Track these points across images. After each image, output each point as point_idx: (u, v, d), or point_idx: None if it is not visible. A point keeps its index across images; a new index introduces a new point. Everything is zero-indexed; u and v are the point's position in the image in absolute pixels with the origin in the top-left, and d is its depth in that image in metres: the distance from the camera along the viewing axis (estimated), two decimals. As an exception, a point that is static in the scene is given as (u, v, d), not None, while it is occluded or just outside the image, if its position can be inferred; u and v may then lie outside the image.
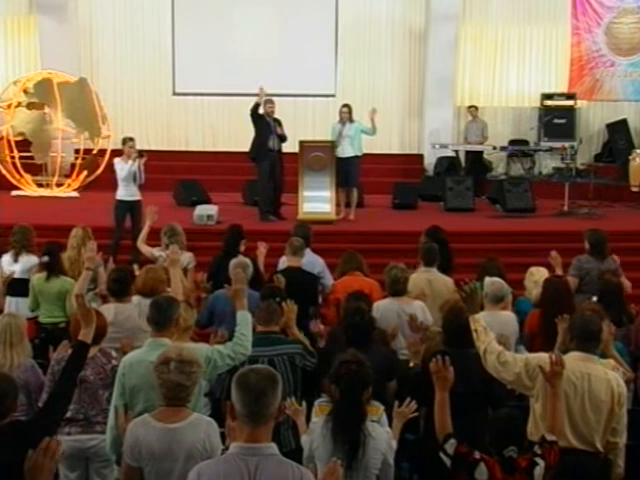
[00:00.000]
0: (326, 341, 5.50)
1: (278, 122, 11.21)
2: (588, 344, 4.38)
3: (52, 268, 6.74)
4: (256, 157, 11.18)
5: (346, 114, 11.43)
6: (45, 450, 2.93)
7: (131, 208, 9.44)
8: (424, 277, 6.74)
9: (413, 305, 6.12)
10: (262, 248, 7.43)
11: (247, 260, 6.53)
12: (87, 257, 6.02)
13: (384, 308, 6.05)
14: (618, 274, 7.00)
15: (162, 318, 4.38)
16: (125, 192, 9.56)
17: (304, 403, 4.50)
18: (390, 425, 4.25)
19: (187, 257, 7.26)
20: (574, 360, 4.30)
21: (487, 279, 6.21)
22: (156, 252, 7.49)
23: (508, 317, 6.03)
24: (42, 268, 6.81)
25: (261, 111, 11.09)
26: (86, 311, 4.03)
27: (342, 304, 5.75)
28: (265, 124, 11.04)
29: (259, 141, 11.10)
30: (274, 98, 11.31)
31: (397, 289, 6.18)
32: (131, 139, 9.74)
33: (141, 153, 9.64)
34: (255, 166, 11.30)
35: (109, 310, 5.56)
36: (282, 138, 11.15)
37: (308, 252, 7.32)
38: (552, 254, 7.27)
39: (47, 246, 6.93)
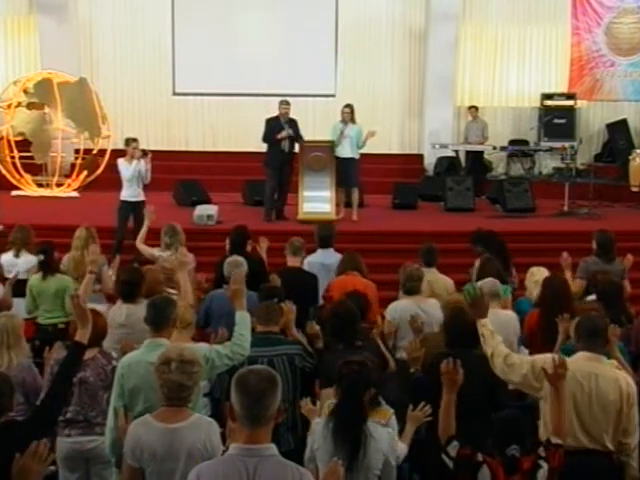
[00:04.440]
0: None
1: (295, 122, 11.11)
2: (594, 342, 4.37)
3: (47, 267, 6.71)
4: (267, 163, 11.15)
5: (348, 114, 11.39)
6: (34, 453, 2.91)
7: (134, 209, 9.47)
8: (424, 278, 6.72)
9: (428, 303, 6.11)
10: (263, 244, 7.44)
11: (240, 259, 6.47)
12: (90, 260, 6.00)
13: (402, 308, 6.05)
14: (622, 277, 6.97)
15: (159, 318, 4.38)
16: (129, 193, 9.60)
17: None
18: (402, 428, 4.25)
19: (190, 258, 7.22)
20: (581, 360, 4.30)
21: (480, 282, 6.22)
22: (156, 252, 7.46)
23: (509, 316, 6.03)
24: (39, 268, 6.80)
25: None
26: (82, 312, 4.01)
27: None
28: (278, 126, 11.01)
29: (270, 146, 11.08)
30: (286, 98, 11.30)
31: (411, 287, 6.17)
32: (135, 140, 9.77)
33: (144, 152, 9.66)
34: (264, 167, 11.29)
35: (121, 311, 5.54)
36: (295, 139, 11.06)
37: (331, 252, 7.40)
38: (564, 255, 7.20)
39: (41, 245, 6.91)
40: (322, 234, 7.51)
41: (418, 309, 5.97)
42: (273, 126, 11.04)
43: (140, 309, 5.58)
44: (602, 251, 7.25)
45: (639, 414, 4.37)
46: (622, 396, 4.27)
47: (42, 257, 6.70)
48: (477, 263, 7.11)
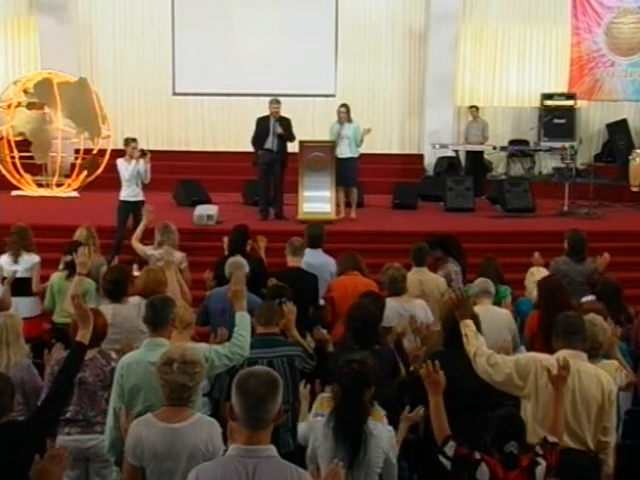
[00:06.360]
0: (334, 345, 5.46)
1: (286, 122, 11.05)
2: (573, 339, 4.39)
3: (74, 267, 6.71)
4: (254, 159, 11.17)
5: (344, 114, 11.37)
6: (53, 456, 2.94)
7: (134, 208, 9.47)
8: (415, 278, 6.71)
9: (414, 304, 6.11)
10: (261, 242, 7.44)
11: (242, 260, 6.47)
12: (79, 262, 5.99)
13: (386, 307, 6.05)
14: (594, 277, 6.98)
15: (158, 318, 4.38)
16: (128, 192, 9.61)
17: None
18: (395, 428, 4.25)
19: (180, 256, 7.20)
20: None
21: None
22: (149, 251, 7.48)
23: (501, 311, 6.04)
24: (64, 267, 6.80)
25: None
26: (83, 312, 4.02)
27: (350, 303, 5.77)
28: (265, 124, 11.00)
29: (255, 141, 11.10)
30: (276, 97, 11.24)
31: (396, 289, 6.16)
32: (134, 140, 9.79)
33: (143, 152, 9.67)
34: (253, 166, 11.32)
35: (107, 311, 5.52)
36: (287, 138, 11.02)
37: (320, 253, 7.36)
38: (535, 255, 7.27)
39: (69, 245, 6.90)
40: (311, 234, 7.44)
41: (402, 309, 5.98)
42: (262, 127, 10.99)
43: (126, 308, 5.61)
44: (573, 251, 7.21)
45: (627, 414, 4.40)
46: (604, 393, 4.29)
47: (70, 257, 6.67)
48: (441, 271, 7.12)
